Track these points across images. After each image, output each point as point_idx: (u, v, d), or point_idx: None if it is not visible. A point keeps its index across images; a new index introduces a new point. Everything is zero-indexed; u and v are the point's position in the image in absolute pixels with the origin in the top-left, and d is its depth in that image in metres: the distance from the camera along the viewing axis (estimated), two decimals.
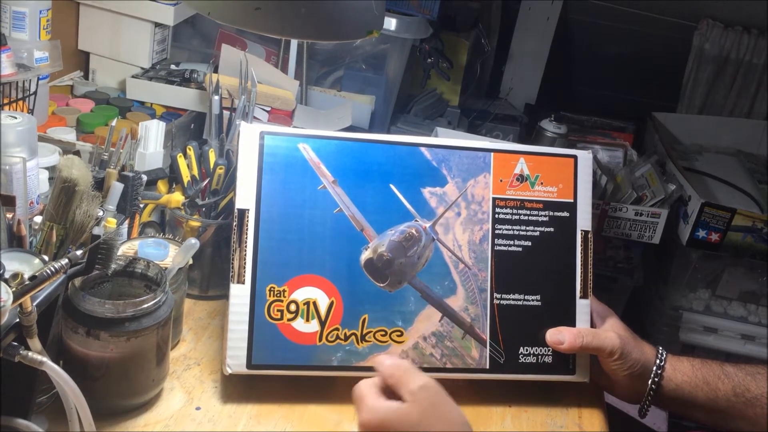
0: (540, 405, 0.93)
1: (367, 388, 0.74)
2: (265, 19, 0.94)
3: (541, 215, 0.94)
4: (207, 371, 0.89)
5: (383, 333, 0.88)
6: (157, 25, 1.38)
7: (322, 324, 0.87)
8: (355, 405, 0.74)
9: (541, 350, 0.92)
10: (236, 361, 0.84)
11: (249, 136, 0.88)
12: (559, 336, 0.91)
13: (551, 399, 0.94)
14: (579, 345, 0.90)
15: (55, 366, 0.66)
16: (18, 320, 0.64)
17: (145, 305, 0.77)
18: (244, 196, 0.86)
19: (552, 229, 0.94)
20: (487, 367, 0.90)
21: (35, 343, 0.66)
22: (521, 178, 0.94)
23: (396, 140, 0.93)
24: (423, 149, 0.92)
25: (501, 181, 0.94)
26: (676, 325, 1.83)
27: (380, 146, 0.92)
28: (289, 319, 0.86)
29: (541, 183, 0.94)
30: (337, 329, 0.87)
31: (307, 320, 0.86)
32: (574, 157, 0.96)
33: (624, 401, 0.95)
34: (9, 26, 1.14)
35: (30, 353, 0.65)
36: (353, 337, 0.88)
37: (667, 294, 1.84)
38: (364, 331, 0.88)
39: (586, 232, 0.95)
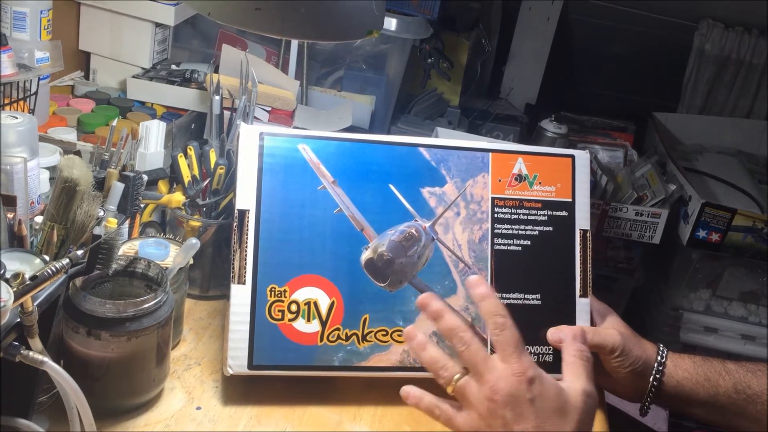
0: None
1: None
2: (265, 19, 0.94)
3: (540, 215, 0.94)
4: (207, 371, 0.90)
5: (384, 333, 0.88)
6: (157, 25, 1.38)
7: (323, 324, 0.87)
8: (474, 363, 0.75)
9: (541, 349, 0.92)
10: (237, 361, 0.84)
11: (249, 137, 0.88)
12: (559, 334, 0.91)
13: None
14: None
15: (56, 366, 0.66)
16: (19, 320, 0.65)
17: (146, 305, 0.77)
18: (244, 197, 0.86)
19: (551, 229, 0.94)
20: None
21: (36, 342, 0.66)
22: (519, 177, 0.94)
23: (395, 141, 0.93)
24: (422, 150, 0.93)
25: (499, 180, 0.94)
26: (677, 325, 1.83)
27: (379, 147, 0.92)
28: (290, 320, 0.86)
29: (540, 183, 0.95)
30: (338, 329, 0.87)
31: (308, 320, 0.87)
32: (572, 156, 0.96)
33: (625, 400, 0.95)
34: (10, 26, 1.14)
35: (31, 353, 0.65)
36: (354, 337, 0.88)
37: (667, 294, 1.84)
38: (365, 331, 0.88)
39: (584, 231, 0.95)
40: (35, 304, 0.65)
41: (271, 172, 0.87)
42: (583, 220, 0.96)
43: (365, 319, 0.88)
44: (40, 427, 0.69)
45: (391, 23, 1.50)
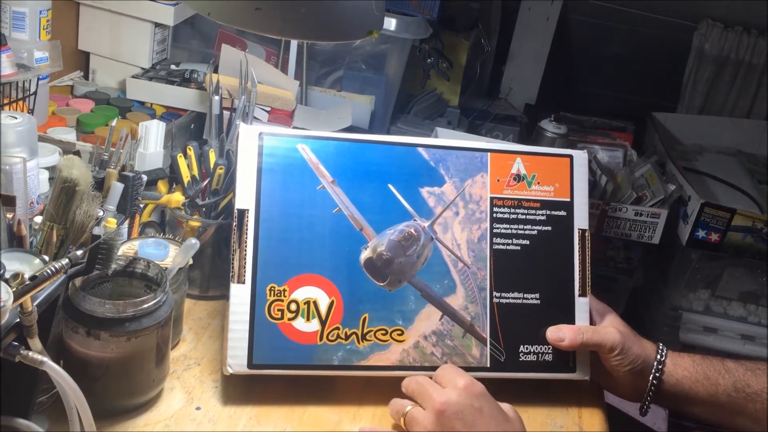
0: (540, 405, 0.93)
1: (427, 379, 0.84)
2: (265, 19, 0.94)
3: (539, 214, 0.94)
4: (207, 371, 0.90)
5: (384, 332, 0.88)
6: (157, 25, 1.39)
7: (323, 323, 0.87)
8: (420, 394, 0.82)
9: (541, 348, 0.92)
10: (237, 361, 0.84)
11: (248, 137, 0.88)
12: (559, 333, 0.91)
13: (551, 399, 0.94)
14: (580, 341, 0.90)
15: (56, 366, 0.66)
16: (18, 320, 0.65)
17: (146, 305, 0.77)
18: (244, 197, 0.86)
19: (549, 228, 0.95)
20: (488, 365, 0.90)
21: (36, 343, 0.66)
22: (518, 177, 0.95)
23: (394, 141, 0.93)
24: (420, 150, 0.93)
25: (498, 180, 0.94)
26: (676, 326, 1.83)
27: (378, 147, 0.92)
28: (289, 319, 0.86)
29: (538, 182, 0.95)
30: (337, 328, 0.87)
31: (308, 320, 0.87)
32: (570, 156, 0.97)
33: (625, 399, 0.95)
34: (9, 26, 1.14)
35: (30, 353, 0.65)
36: (354, 336, 0.88)
37: (666, 294, 1.84)
38: (365, 330, 0.88)
39: (583, 231, 0.95)
40: (35, 304, 0.65)
41: (271, 171, 0.88)
42: (581, 219, 0.96)
43: (365, 319, 0.88)
44: (39, 428, 0.69)
45: (390, 23, 1.50)
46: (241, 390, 0.87)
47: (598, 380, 0.95)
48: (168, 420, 0.82)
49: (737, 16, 2.14)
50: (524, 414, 0.88)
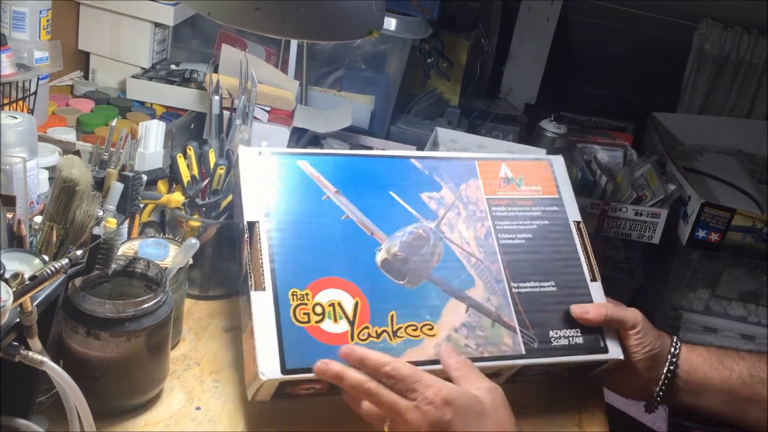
0: (540, 405, 0.93)
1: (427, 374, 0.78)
2: (265, 19, 0.94)
3: (534, 210, 0.97)
4: (207, 371, 0.89)
5: (414, 328, 0.87)
6: (157, 25, 1.38)
7: (351, 324, 0.85)
8: (413, 385, 0.76)
9: (570, 332, 0.92)
10: (270, 367, 0.80)
11: (247, 158, 0.89)
12: (584, 307, 0.91)
13: (551, 399, 0.94)
14: (604, 314, 0.90)
15: (56, 366, 0.66)
16: (18, 320, 0.64)
17: (146, 305, 0.77)
18: (252, 210, 0.86)
19: (547, 222, 0.97)
20: (523, 352, 0.89)
21: (35, 343, 0.66)
22: (507, 180, 0.98)
23: (387, 154, 0.97)
24: (413, 161, 0.96)
25: (490, 183, 0.97)
26: (676, 325, 1.83)
27: (374, 159, 0.95)
28: (316, 321, 0.84)
29: (526, 183, 0.99)
30: (367, 327, 0.86)
31: (335, 321, 0.85)
32: (548, 161, 1.02)
33: (634, 398, 0.95)
34: (9, 26, 1.14)
35: (30, 353, 0.65)
36: (385, 333, 0.86)
37: (667, 294, 1.84)
38: (395, 328, 0.87)
39: (577, 223, 0.98)
40: (34, 304, 0.65)
41: (275, 186, 0.88)
42: (573, 213, 0.99)
43: (392, 316, 0.87)
44: (39, 428, 0.69)
45: (390, 23, 1.50)
46: (241, 389, 0.87)
47: (607, 381, 0.95)
48: (168, 420, 0.81)
49: (737, 16, 2.14)
50: (524, 414, 0.87)
